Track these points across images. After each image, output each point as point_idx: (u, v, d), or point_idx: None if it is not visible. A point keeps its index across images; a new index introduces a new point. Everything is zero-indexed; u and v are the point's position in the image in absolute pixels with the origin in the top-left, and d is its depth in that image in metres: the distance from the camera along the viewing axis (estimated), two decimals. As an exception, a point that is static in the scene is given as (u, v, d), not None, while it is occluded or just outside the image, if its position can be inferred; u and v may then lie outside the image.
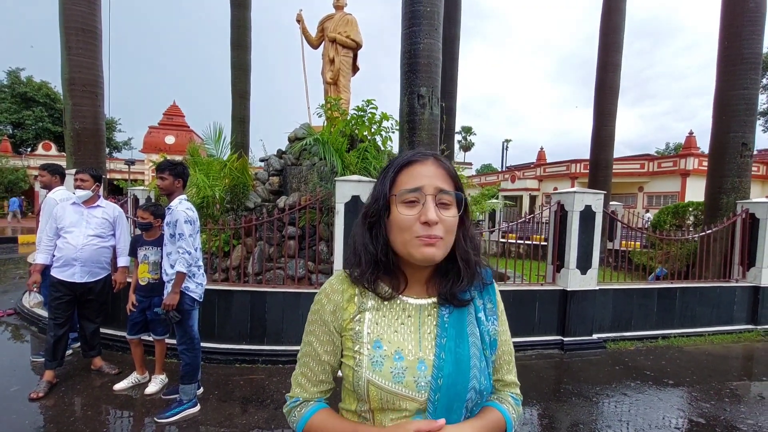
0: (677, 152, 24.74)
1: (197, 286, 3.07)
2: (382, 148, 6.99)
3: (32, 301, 3.55)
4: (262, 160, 7.71)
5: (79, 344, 3.88)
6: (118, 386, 3.40)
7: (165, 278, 3.05)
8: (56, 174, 4.05)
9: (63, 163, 5.09)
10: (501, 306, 0.91)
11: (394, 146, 6.59)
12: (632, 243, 9.40)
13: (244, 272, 4.70)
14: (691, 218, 8.74)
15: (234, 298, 4.21)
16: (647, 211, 20.31)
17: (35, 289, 3.42)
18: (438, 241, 0.75)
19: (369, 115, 6.76)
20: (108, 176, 7.35)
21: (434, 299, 0.84)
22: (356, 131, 6.96)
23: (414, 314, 0.83)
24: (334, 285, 0.87)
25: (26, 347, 4.40)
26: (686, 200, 14.17)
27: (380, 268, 0.82)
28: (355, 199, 4.21)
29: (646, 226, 8.78)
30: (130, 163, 23.13)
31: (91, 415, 3.02)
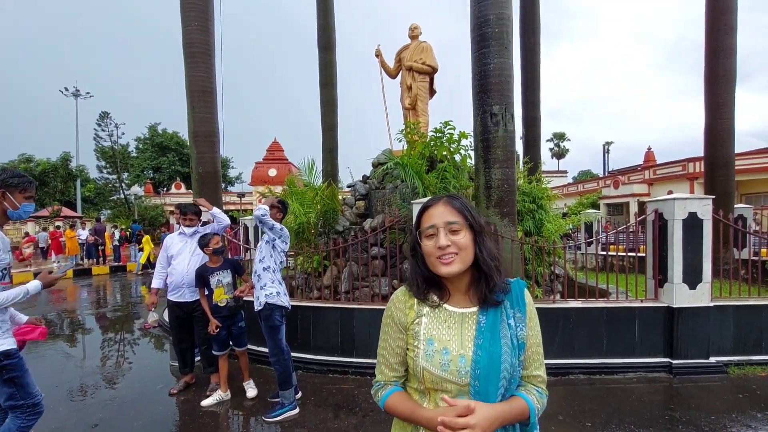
0: (834, 139, 20.23)
1: (284, 296, 3.55)
2: (462, 167, 7.10)
3: (150, 319, 4.31)
4: (349, 186, 8.33)
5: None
6: (204, 402, 3.67)
7: (254, 279, 3.56)
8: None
9: (191, 200, 6.16)
10: (531, 313, 1.12)
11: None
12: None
13: (335, 290, 5.15)
14: None
15: (326, 314, 4.65)
16: (795, 212, 16.85)
17: (153, 309, 4.13)
18: (453, 258, 1.05)
19: (447, 135, 6.96)
20: (224, 208, 8.50)
21: (474, 308, 1.10)
22: (435, 152, 7.19)
23: (458, 320, 1.09)
24: (399, 297, 1.17)
25: (166, 354, 5.34)
26: None
27: (429, 283, 1.12)
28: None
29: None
30: (241, 195, 26.27)
31: (213, 410, 3.62)
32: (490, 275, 1.08)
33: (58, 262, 15.12)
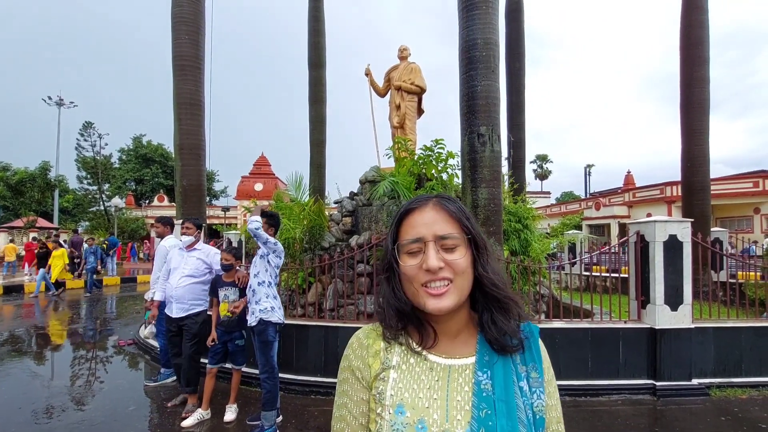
0: (802, 167, 21.25)
1: (279, 310, 3.48)
2: (449, 185, 7.17)
3: (147, 332, 4.22)
4: (336, 202, 8.29)
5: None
6: (185, 423, 3.55)
7: (249, 294, 3.48)
8: (167, 225, 4.84)
9: (173, 213, 6.03)
10: (549, 373, 0.78)
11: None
12: (748, 274, 8.21)
13: (319, 308, 5.04)
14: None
15: (310, 332, 4.54)
16: (767, 236, 17.50)
17: (153, 322, 4.10)
18: (447, 288, 0.72)
19: (436, 154, 7.04)
20: (207, 222, 8.41)
21: (468, 360, 0.76)
22: (423, 170, 7.25)
23: (443, 377, 0.74)
24: (361, 340, 0.82)
25: (141, 373, 5.13)
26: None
27: (407, 319, 0.78)
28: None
29: (753, 254, 7.64)
30: (226, 209, 25.94)
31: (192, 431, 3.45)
32: (501, 309, 0.75)
33: (30, 274, 14.55)
